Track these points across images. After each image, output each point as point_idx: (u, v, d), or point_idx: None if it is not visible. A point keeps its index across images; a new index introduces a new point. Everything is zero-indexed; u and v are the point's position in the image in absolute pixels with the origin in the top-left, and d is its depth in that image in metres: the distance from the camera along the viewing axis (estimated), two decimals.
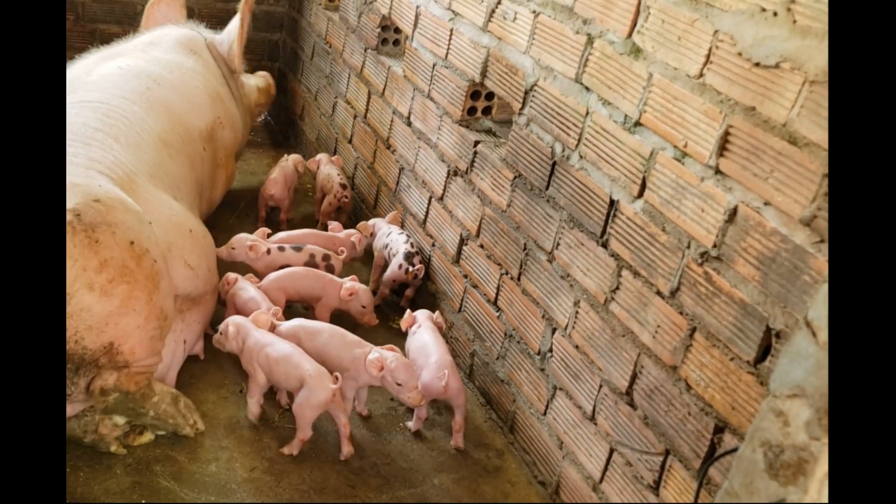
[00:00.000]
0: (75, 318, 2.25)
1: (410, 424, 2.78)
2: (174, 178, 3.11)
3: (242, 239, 3.27)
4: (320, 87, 4.58)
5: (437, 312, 3.03)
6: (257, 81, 4.56)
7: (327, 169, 4.01)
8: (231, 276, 3.06)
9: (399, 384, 2.58)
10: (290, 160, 4.04)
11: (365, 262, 3.70)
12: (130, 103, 3.20)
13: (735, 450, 1.65)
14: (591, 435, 2.44)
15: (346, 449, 2.58)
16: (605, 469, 2.38)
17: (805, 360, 1.16)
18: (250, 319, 2.75)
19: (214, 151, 3.66)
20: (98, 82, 3.33)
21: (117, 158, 2.80)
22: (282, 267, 3.24)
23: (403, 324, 2.98)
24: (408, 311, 3.03)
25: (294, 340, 2.68)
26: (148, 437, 2.52)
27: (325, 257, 3.31)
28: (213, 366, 2.89)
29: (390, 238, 3.44)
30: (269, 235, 3.41)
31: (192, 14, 4.62)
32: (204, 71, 3.88)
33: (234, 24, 4.17)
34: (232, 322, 2.72)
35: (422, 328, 2.90)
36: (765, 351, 1.86)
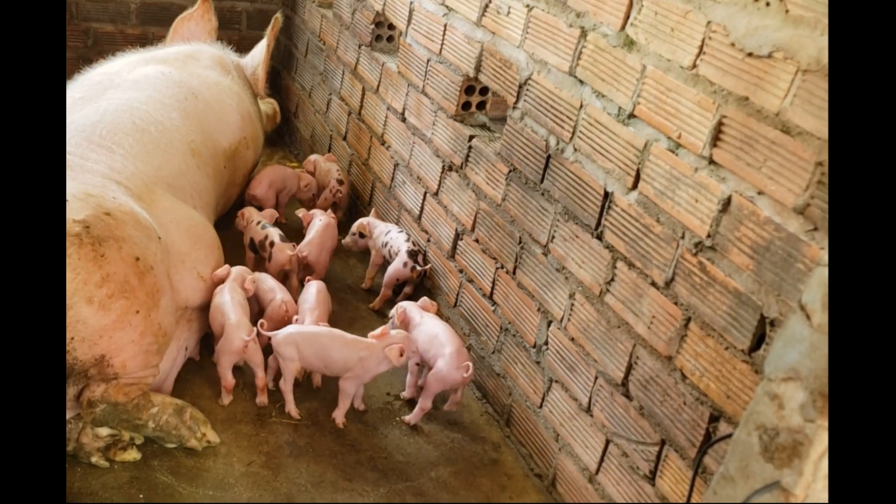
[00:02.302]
0: (70, 329, 2.25)
1: (409, 418, 2.78)
2: (197, 188, 3.15)
3: (244, 210, 3.53)
4: (314, 84, 4.59)
5: (424, 298, 3.03)
6: (265, 108, 4.58)
7: (327, 165, 4.03)
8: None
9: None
10: (290, 169, 4.05)
11: (361, 258, 3.70)
12: (169, 109, 3.25)
13: (729, 436, 1.65)
14: (587, 426, 2.45)
15: (260, 399, 2.74)
16: (602, 460, 2.39)
17: (799, 344, 1.17)
18: (237, 274, 2.91)
19: (234, 171, 3.69)
20: (139, 81, 3.38)
21: (139, 168, 2.83)
22: (253, 241, 3.38)
23: (397, 320, 2.97)
24: (397, 307, 3.00)
25: (292, 348, 2.67)
26: (133, 454, 2.43)
27: (271, 243, 3.29)
28: (209, 362, 2.89)
29: (389, 237, 3.43)
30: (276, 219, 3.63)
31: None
32: (239, 90, 3.91)
33: (260, 49, 4.20)
34: (227, 268, 2.92)
35: (426, 318, 2.89)
36: (759, 339, 1.87)
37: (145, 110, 3.13)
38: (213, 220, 3.38)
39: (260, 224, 3.41)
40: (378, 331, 2.71)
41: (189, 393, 2.72)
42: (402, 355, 2.65)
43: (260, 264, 3.31)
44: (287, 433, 2.64)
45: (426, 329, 2.85)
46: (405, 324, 2.93)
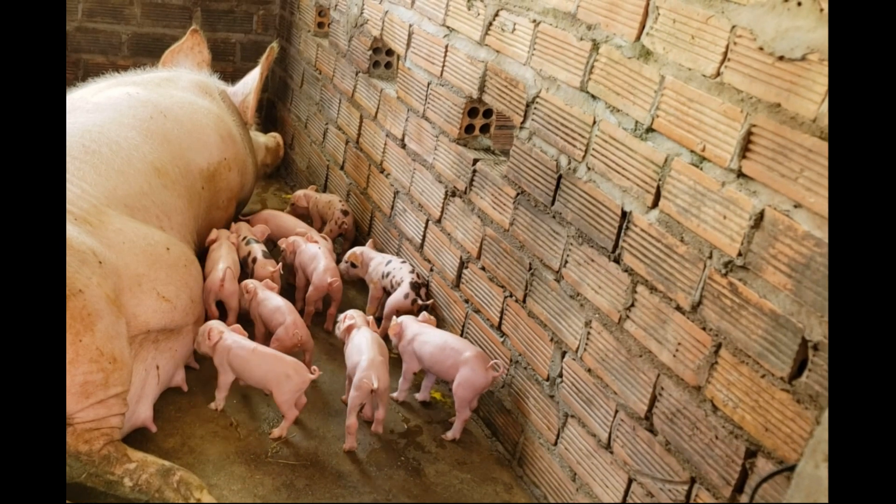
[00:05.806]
0: None
1: (450, 434, 2.74)
2: (164, 208, 2.99)
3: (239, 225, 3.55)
4: (310, 114, 4.47)
5: (423, 312, 2.96)
6: (266, 140, 4.46)
7: (326, 196, 3.90)
8: (250, 284, 3.07)
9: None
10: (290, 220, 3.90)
11: (360, 290, 3.54)
12: (128, 129, 3.11)
13: (789, 469, 1.49)
14: (608, 465, 2.28)
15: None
16: (624, 501, 2.22)
17: None
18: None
19: (216, 192, 3.50)
20: (101, 104, 3.26)
21: (85, 190, 2.69)
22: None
23: (392, 333, 2.84)
24: (393, 319, 2.91)
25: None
26: None
27: (254, 260, 3.28)
28: (201, 398, 2.72)
29: (390, 267, 3.28)
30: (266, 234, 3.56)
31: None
32: (220, 112, 3.76)
33: (252, 77, 4.08)
34: (215, 231, 3.22)
35: (425, 329, 2.80)
36: (801, 365, 1.71)
37: (98, 131, 2.98)
38: (194, 241, 3.22)
39: (245, 240, 3.36)
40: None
41: (179, 432, 2.55)
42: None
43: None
44: (284, 474, 2.46)
45: (432, 340, 2.75)
46: (398, 336, 2.85)
